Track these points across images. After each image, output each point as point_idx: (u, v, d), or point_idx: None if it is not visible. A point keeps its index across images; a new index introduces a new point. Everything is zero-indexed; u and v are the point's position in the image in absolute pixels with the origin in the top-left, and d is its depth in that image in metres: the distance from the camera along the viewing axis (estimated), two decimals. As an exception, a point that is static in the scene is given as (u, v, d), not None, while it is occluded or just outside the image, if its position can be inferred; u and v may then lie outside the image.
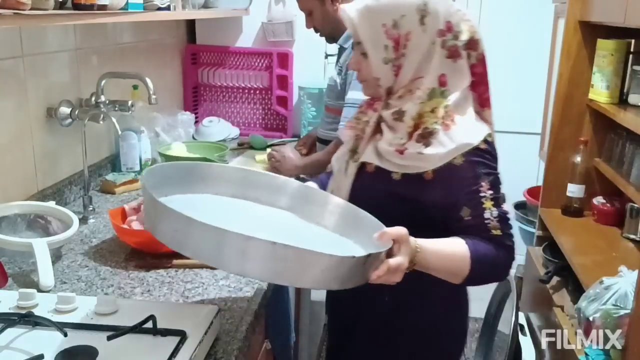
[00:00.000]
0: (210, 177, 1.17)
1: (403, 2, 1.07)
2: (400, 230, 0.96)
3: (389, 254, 0.95)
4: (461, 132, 1.07)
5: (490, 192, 1.06)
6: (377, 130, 1.15)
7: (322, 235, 1.13)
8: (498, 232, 1.06)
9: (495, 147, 1.13)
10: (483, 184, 1.06)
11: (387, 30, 1.07)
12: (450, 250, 1.04)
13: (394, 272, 0.94)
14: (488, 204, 1.06)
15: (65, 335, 0.90)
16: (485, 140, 1.09)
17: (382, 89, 1.13)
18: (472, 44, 1.10)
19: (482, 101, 1.15)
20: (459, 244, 1.04)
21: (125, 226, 1.36)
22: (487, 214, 1.05)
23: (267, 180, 1.22)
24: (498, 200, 1.07)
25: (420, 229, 1.02)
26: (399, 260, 0.94)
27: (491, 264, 1.06)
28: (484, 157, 1.07)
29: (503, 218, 1.07)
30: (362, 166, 1.16)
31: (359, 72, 1.17)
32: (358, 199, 1.15)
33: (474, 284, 1.09)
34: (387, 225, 1.00)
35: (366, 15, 1.08)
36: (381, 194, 1.11)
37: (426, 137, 1.06)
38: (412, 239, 0.99)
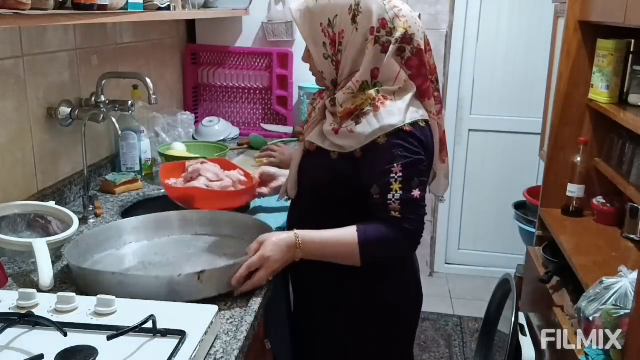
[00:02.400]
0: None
1: (337, 2, 1.17)
2: (259, 239, 1.15)
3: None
4: (388, 114, 1.13)
5: (401, 175, 1.11)
6: (324, 116, 1.25)
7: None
8: (396, 214, 1.12)
9: (429, 135, 1.19)
10: (396, 165, 1.11)
11: (324, 29, 1.18)
12: (336, 239, 1.15)
13: (259, 264, 1.12)
14: (395, 185, 1.11)
15: (65, 335, 0.90)
16: (413, 124, 1.14)
17: (327, 82, 1.25)
18: (407, 39, 1.17)
19: (421, 93, 1.22)
20: (348, 232, 1.14)
21: (170, 182, 1.56)
22: (390, 195, 1.12)
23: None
24: (408, 184, 1.12)
25: (355, 204, 1.17)
26: (257, 255, 1.12)
27: (382, 247, 1.15)
28: (406, 140, 1.13)
29: (406, 201, 1.12)
30: (309, 146, 1.26)
31: (310, 66, 1.27)
32: (303, 174, 1.28)
33: (374, 263, 1.18)
34: (329, 202, 1.22)
35: (306, 15, 1.19)
36: (323, 171, 1.21)
37: (359, 117, 1.15)
38: (294, 232, 1.15)
